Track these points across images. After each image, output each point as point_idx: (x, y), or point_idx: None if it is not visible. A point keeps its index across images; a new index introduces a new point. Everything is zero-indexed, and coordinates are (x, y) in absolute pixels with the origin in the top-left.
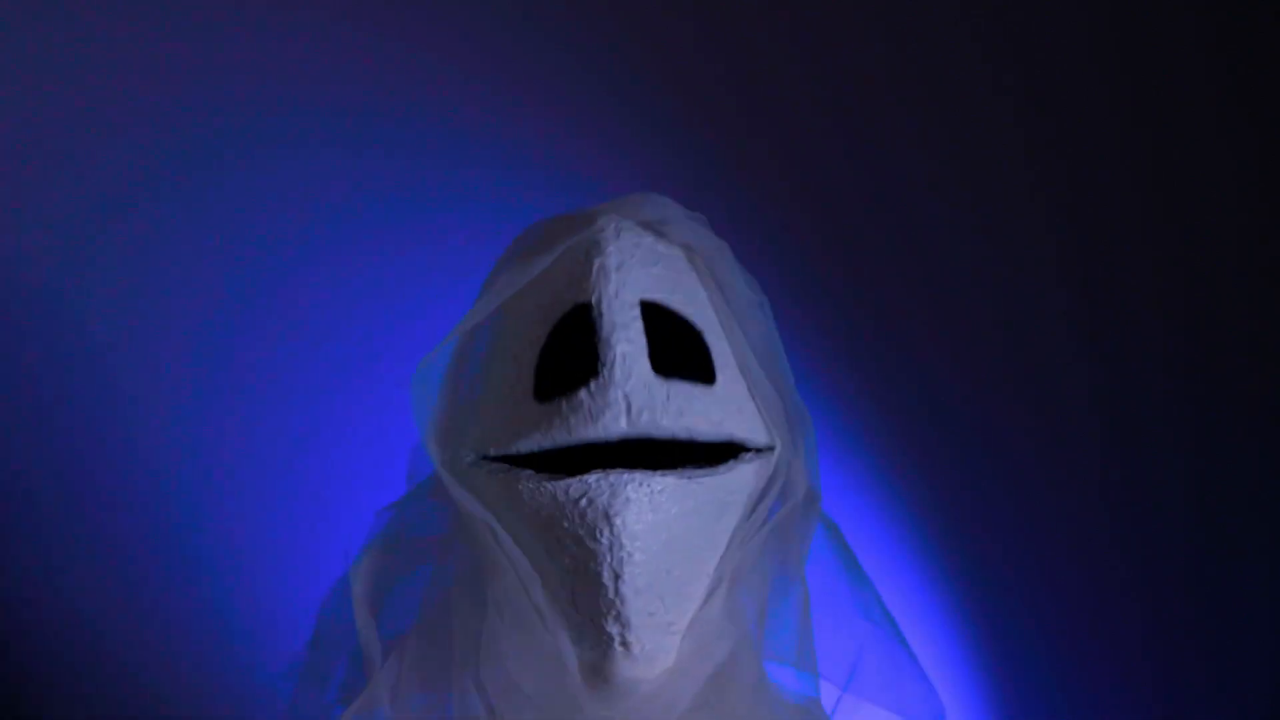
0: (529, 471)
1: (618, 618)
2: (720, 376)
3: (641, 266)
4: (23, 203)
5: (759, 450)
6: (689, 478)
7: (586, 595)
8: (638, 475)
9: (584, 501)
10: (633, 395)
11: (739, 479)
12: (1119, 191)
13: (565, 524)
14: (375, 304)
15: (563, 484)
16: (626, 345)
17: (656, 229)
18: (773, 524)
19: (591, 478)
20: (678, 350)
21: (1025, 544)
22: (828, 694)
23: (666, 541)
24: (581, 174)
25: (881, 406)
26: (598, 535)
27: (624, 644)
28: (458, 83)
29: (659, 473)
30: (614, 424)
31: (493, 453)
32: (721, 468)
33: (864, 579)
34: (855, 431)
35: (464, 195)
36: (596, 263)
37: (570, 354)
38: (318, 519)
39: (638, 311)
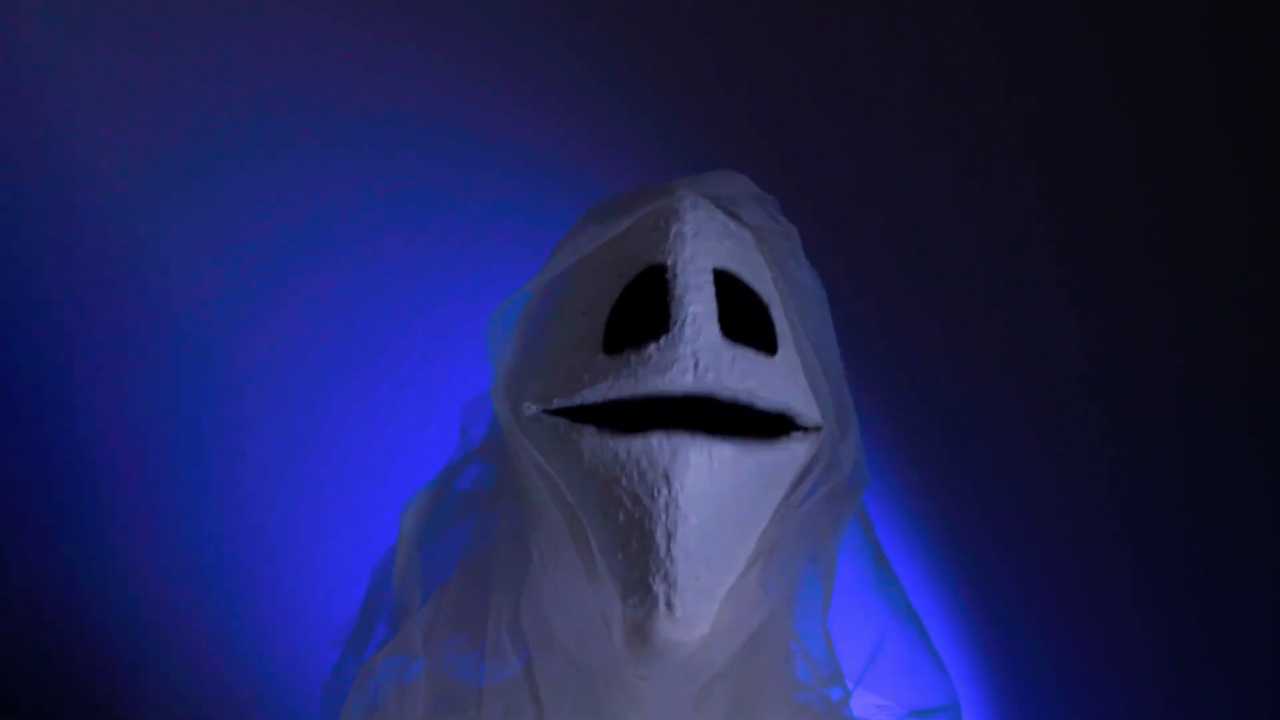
0: (592, 427)
1: (665, 577)
2: (781, 350)
3: (716, 238)
4: (23, 203)
5: (809, 429)
6: (747, 449)
7: (638, 554)
8: (699, 440)
9: (644, 461)
10: (700, 353)
11: (791, 455)
12: (1122, 192)
13: (624, 481)
14: (375, 304)
15: (625, 441)
16: (698, 306)
17: (730, 207)
18: (813, 502)
19: (654, 438)
20: (745, 320)
21: (1026, 544)
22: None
23: (719, 508)
24: (582, 174)
25: (882, 406)
26: (655, 494)
27: (668, 605)
28: (458, 83)
29: (719, 439)
30: (681, 378)
31: (556, 404)
32: (779, 441)
33: (890, 572)
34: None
35: (464, 195)
36: (674, 229)
37: (642, 312)
38: (318, 519)
39: (710, 277)
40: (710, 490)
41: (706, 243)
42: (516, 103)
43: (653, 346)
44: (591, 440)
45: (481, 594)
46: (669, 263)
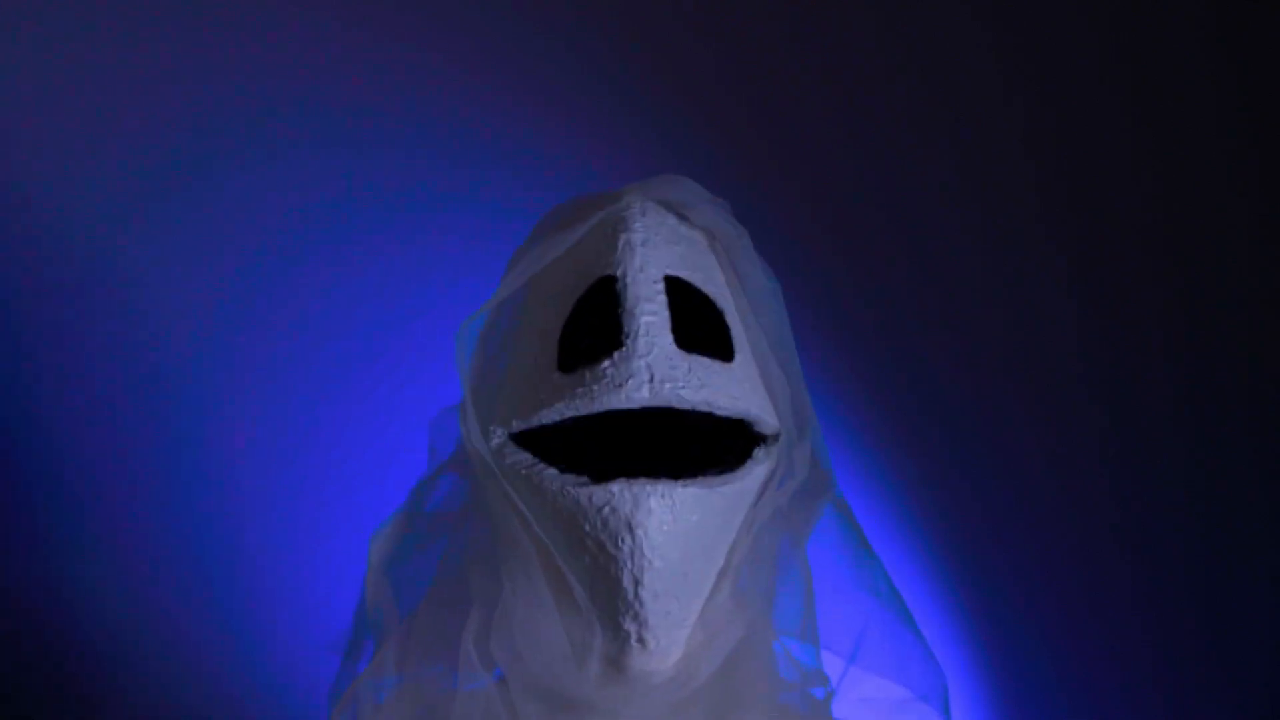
0: (553, 471)
1: (635, 617)
2: (738, 355)
3: (666, 244)
4: (23, 203)
5: (768, 441)
6: (709, 487)
7: (605, 594)
8: (660, 485)
9: (607, 510)
10: (655, 365)
11: (753, 481)
12: (1122, 192)
13: (587, 527)
14: (375, 304)
15: (586, 491)
16: (650, 317)
17: (679, 211)
18: (777, 507)
19: (615, 486)
20: (699, 326)
21: (1026, 544)
22: (833, 667)
23: (685, 548)
24: (582, 174)
25: (882, 406)
26: (619, 542)
27: (640, 640)
28: (458, 83)
29: (681, 482)
30: (636, 393)
31: (516, 426)
32: (740, 471)
33: (872, 556)
34: (856, 431)
35: (464, 195)
36: (622, 238)
37: (595, 327)
38: (318, 519)
39: (662, 286)
40: (674, 533)
41: (656, 250)
42: (516, 103)
43: (607, 362)
44: (553, 485)
45: (452, 616)
46: (619, 273)
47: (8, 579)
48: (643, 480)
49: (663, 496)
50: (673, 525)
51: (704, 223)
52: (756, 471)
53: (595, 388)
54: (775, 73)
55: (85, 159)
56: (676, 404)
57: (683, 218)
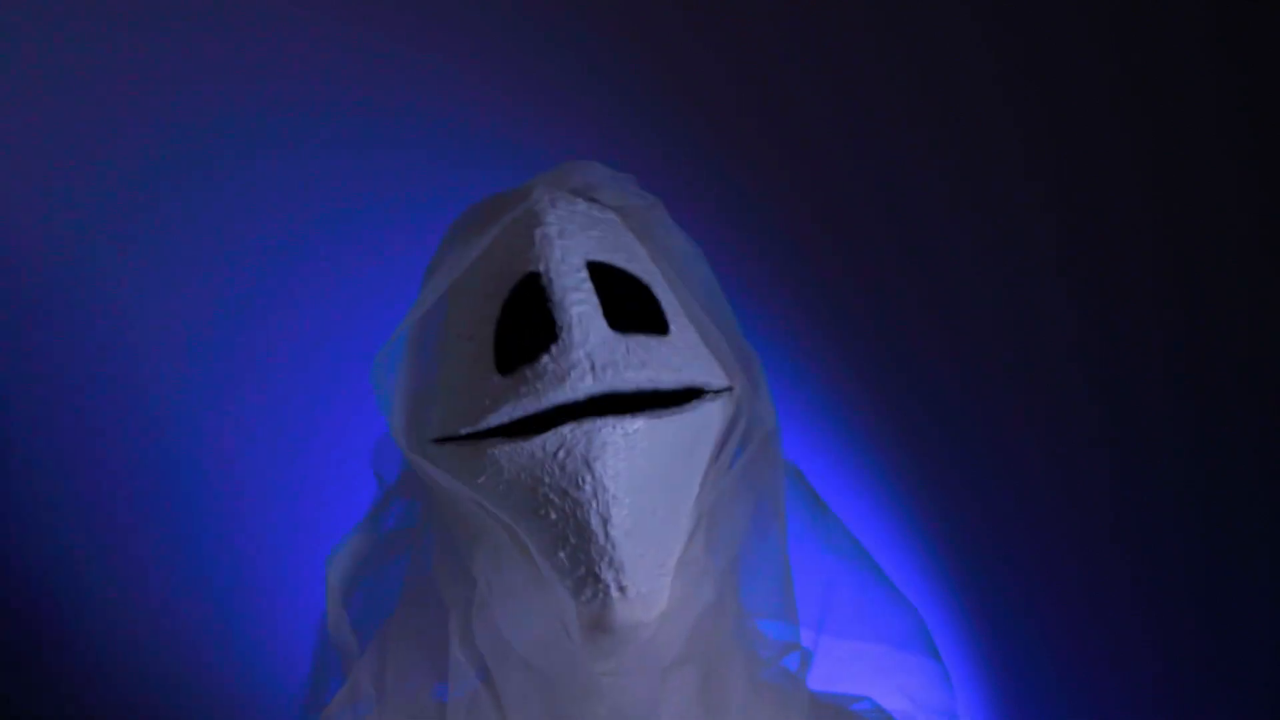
0: (499, 438)
1: (611, 562)
2: (673, 326)
3: (582, 231)
4: (23, 203)
5: (718, 392)
6: (658, 417)
7: (578, 547)
8: (609, 420)
9: (562, 453)
10: (595, 353)
11: (704, 416)
12: (1122, 192)
13: (546, 479)
14: (375, 304)
15: (538, 440)
16: (581, 306)
17: (588, 195)
18: (740, 464)
19: (566, 429)
20: (629, 306)
21: (1026, 544)
22: (808, 639)
23: (645, 481)
24: None
25: (882, 406)
26: (580, 483)
27: (620, 588)
28: (458, 82)
29: (629, 416)
30: (580, 382)
31: (462, 432)
32: (687, 406)
33: (827, 514)
34: (855, 431)
35: (464, 195)
36: (538, 233)
37: (526, 324)
38: (318, 519)
39: (585, 274)
40: (633, 466)
41: (573, 239)
42: (516, 103)
43: (545, 358)
44: (504, 450)
45: (426, 626)
46: (541, 269)
47: (7, 579)
48: (591, 418)
49: (614, 428)
50: (630, 457)
51: (614, 202)
52: (705, 409)
53: (539, 385)
54: (775, 72)
55: (84, 159)
56: (621, 386)
57: (593, 200)
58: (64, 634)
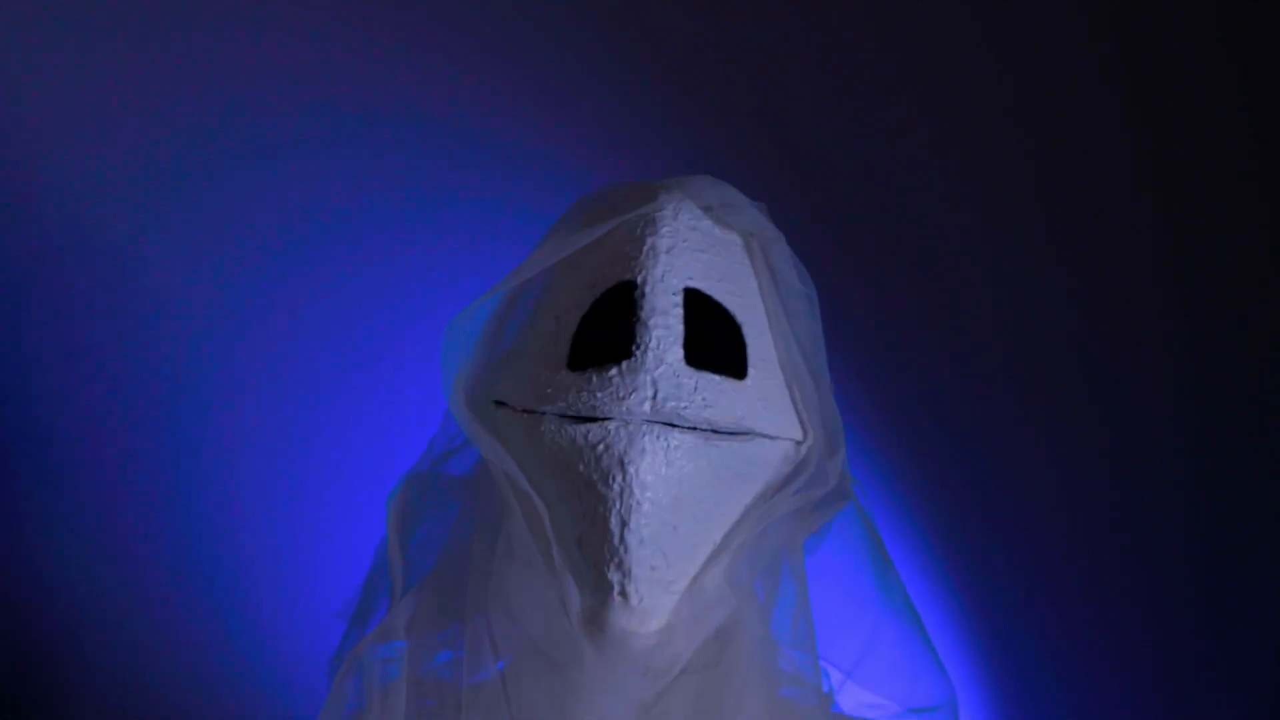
0: (552, 414)
1: (619, 565)
2: (753, 372)
3: (692, 252)
4: (23, 203)
5: (776, 437)
6: (706, 439)
7: (593, 540)
8: (657, 427)
9: (601, 447)
10: (661, 382)
11: (758, 452)
12: (1122, 192)
13: (581, 467)
14: (376, 304)
15: (583, 428)
16: (663, 331)
17: (716, 214)
18: (793, 511)
19: (612, 424)
20: (714, 340)
21: (1026, 544)
22: (838, 680)
23: (677, 497)
24: (582, 174)
25: (882, 406)
26: (610, 481)
27: (623, 593)
28: (458, 83)
29: (678, 428)
30: (638, 407)
31: (516, 404)
32: (741, 438)
33: (890, 567)
34: (855, 431)
35: (464, 195)
36: (649, 242)
37: (610, 327)
38: (318, 519)
39: (680, 298)
40: (667, 478)
41: (680, 258)
42: (516, 103)
43: (614, 370)
44: (552, 426)
45: (458, 588)
46: (639, 280)
47: (6, 579)
48: (640, 420)
49: (658, 437)
50: (666, 469)
51: (742, 225)
52: (760, 444)
53: (600, 395)
54: (776, 72)
55: (86, 159)
56: (677, 422)
57: (719, 221)
58: (64, 634)
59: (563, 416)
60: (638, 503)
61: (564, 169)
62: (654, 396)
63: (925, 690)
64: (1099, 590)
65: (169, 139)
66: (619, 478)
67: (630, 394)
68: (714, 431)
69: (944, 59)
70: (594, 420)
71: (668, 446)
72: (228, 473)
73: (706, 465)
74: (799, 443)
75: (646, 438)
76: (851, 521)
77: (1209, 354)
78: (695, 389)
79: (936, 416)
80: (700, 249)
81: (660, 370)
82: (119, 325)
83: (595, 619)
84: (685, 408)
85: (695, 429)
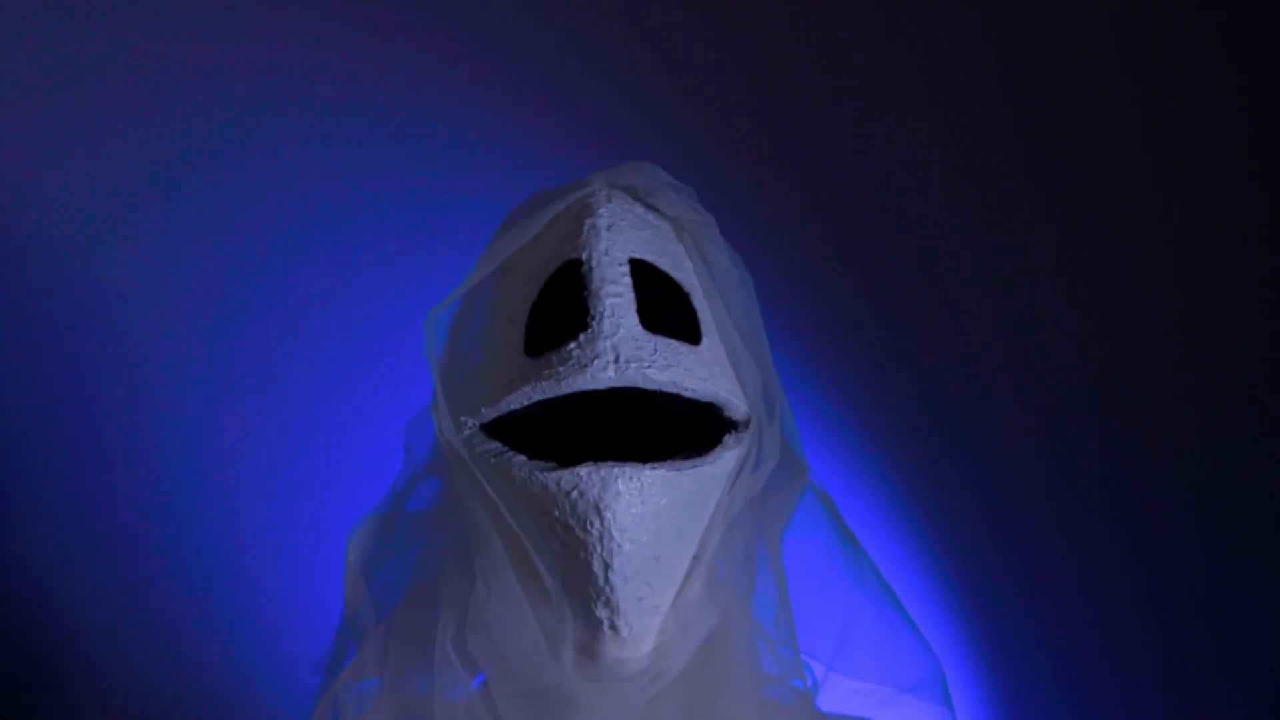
0: (522, 458)
1: (607, 603)
2: (705, 339)
3: (631, 229)
4: (23, 202)
5: (739, 428)
6: (678, 469)
7: (576, 580)
8: (628, 468)
9: (575, 494)
10: (621, 346)
11: (724, 465)
12: (1122, 192)
13: (556, 512)
14: (375, 304)
15: (554, 475)
16: (615, 299)
17: (646, 198)
18: (750, 496)
19: (583, 470)
20: (665, 309)
21: (1026, 544)
22: (819, 670)
23: (655, 531)
24: (582, 174)
25: (882, 407)
26: (588, 526)
27: (613, 627)
28: (457, 82)
29: (649, 466)
30: (602, 373)
31: (484, 414)
32: (710, 455)
33: (856, 548)
34: (855, 431)
35: (464, 195)
36: (588, 223)
37: (561, 310)
38: (318, 519)
39: (627, 269)
40: (643, 515)
41: (622, 234)
42: (516, 103)
43: (572, 344)
44: (522, 472)
45: (428, 617)
46: (584, 257)
47: (6, 579)
48: (610, 463)
49: (630, 479)
50: (641, 508)
51: (670, 210)
52: (727, 457)
53: (561, 369)
54: (774, 71)
55: (85, 158)
56: (643, 384)
57: (649, 206)
58: (64, 634)
59: (531, 460)
60: (618, 545)
61: (564, 169)
62: (616, 360)
63: (911, 667)
64: (1099, 590)
65: (166, 139)
66: (596, 523)
67: (592, 361)
68: (679, 399)
69: (944, 58)
70: (564, 467)
71: (641, 486)
72: (228, 472)
73: (680, 496)
74: (748, 426)
75: (620, 480)
76: (813, 509)
77: (1209, 354)
78: (655, 350)
79: (936, 416)
80: (637, 227)
81: (619, 335)
82: (118, 324)
83: (587, 650)
84: (649, 368)
85: (665, 460)
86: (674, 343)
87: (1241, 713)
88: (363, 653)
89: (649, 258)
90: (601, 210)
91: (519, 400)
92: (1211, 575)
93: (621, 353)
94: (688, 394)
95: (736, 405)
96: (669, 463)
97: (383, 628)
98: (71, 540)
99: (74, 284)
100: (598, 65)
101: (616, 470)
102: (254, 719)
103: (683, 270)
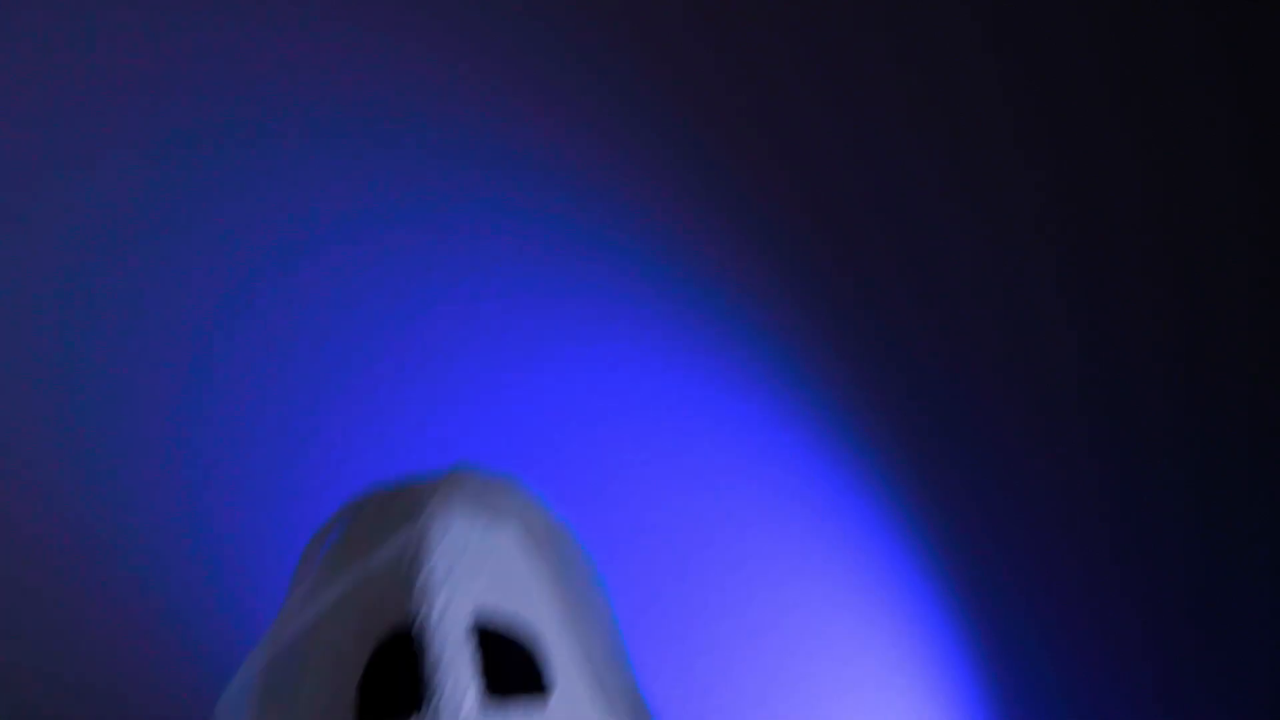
0: None
1: None
2: (559, 682)
3: (470, 574)
4: (22, 202)
5: None
6: None
7: None
8: None
9: None
10: None
11: None
12: (1121, 191)
13: None
14: (375, 304)
15: None
16: (454, 681)
17: (491, 513)
18: None
19: None
20: (510, 666)
21: (1025, 544)
22: None
23: None
24: (582, 174)
25: (881, 406)
26: None
27: None
28: (458, 83)
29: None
30: None
31: None
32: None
33: None
34: (854, 431)
35: (464, 195)
36: (420, 578)
37: (394, 679)
38: (318, 519)
39: (464, 631)
40: None
41: (460, 585)
42: (516, 103)
43: None
44: None
45: None
46: (417, 625)
47: (5, 577)
48: None
49: None
50: None
51: (520, 522)
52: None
53: None
54: (774, 71)
55: (82, 158)
56: None
57: (494, 522)
58: (61, 634)
59: None
60: None
61: (564, 169)
62: None
63: None
64: (1098, 590)
65: (165, 138)
66: None
67: None
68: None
69: (944, 58)
70: None
71: None
72: (227, 472)
73: None
74: None
75: None
76: None
77: (1209, 354)
78: None
79: (936, 416)
80: (478, 567)
81: (460, 717)
82: (117, 324)
83: None
84: None
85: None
86: (521, 709)
87: (1241, 713)
88: None
89: (493, 602)
90: (436, 554)
91: None
92: (1211, 575)
93: None
94: None
95: None
96: None
97: None
98: (67, 541)
99: (73, 283)
100: (598, 64)
101: None
102: None
103: (531, 605)
